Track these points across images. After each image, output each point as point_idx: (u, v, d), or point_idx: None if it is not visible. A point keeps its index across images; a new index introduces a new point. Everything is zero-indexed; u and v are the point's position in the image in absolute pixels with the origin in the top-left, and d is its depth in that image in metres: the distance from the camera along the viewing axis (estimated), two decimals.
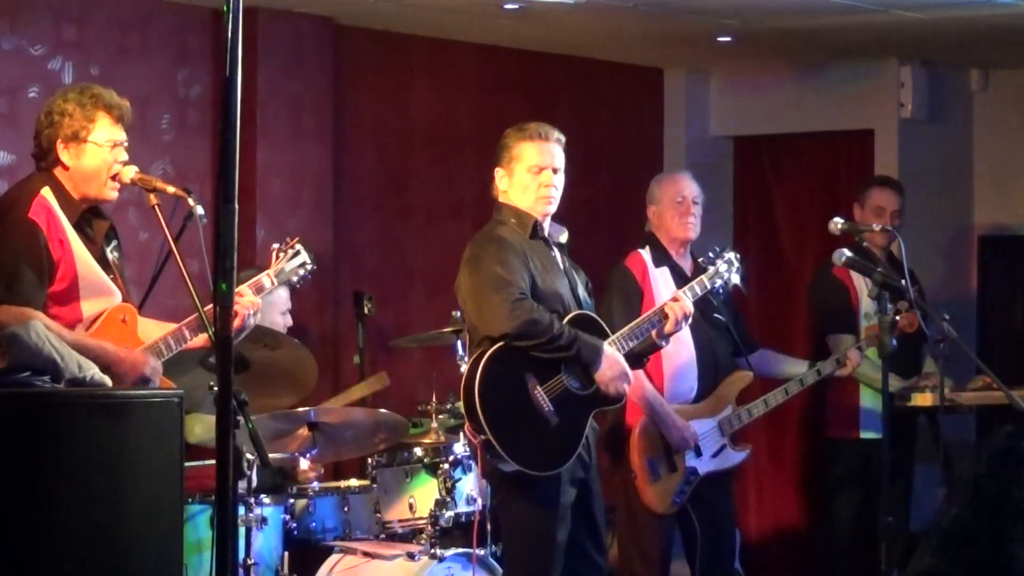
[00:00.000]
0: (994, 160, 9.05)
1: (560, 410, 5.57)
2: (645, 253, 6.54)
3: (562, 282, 5.72)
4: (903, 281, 6.01)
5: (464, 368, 6.42)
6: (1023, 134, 8.96)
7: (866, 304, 7.00)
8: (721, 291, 6.26)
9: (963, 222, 9.06)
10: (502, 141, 5.75)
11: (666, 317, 5.83)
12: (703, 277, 6.17)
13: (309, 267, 5.43)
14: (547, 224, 5.77)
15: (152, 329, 5.03)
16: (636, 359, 5.87)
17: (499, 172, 5.75)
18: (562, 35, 8.11)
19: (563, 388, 5.59)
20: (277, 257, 5.39)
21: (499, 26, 7.88)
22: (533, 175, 5.69)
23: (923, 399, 7.08)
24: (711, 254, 6.27)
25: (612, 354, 5.65)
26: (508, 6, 7.27)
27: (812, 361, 6.80)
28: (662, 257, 6.51)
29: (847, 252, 6.13)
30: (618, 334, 5.77)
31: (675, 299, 5.90)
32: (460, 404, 6.77)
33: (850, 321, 7.16)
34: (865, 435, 7.15)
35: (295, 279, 5.41)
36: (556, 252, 5.77)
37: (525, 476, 5.51)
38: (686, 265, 6.55)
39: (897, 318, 5.90)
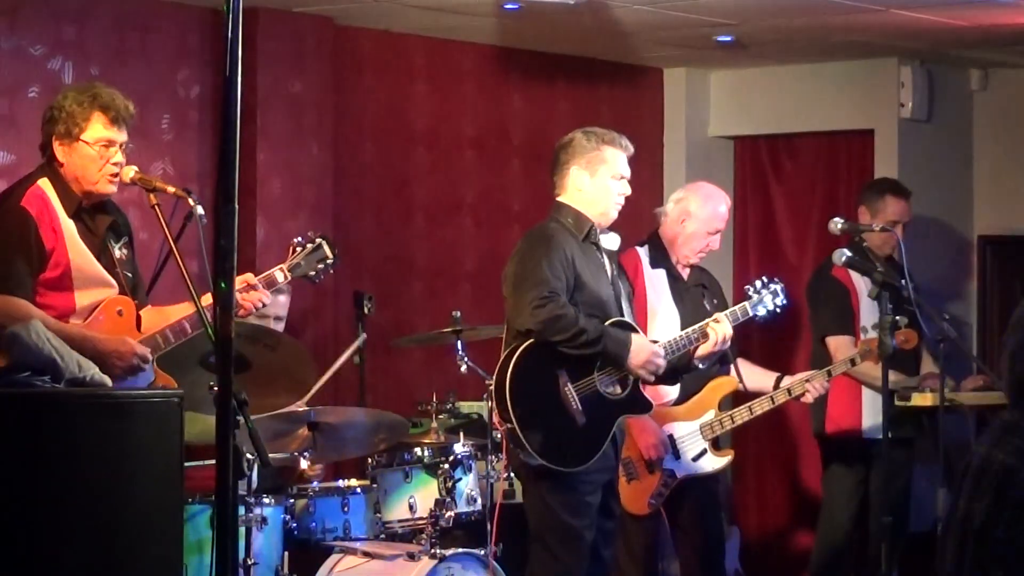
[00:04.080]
0: (994, 160, 9.05)
1: (588, 410, 5.61)
2: (643, 252, 6.53)
3: (608, 289, 5.76)
4: (903, 281, 6.01)
5: (460, 358, 6.41)
6: (1023, 134, 8.96)
7: (866, 305, 6.99)
8: (760, 319, 6.27)
9: (963, 222, 9.06)
10: (586, 142, 5.76)
11: (705, 336, 5.86)
12: (746, 304, 6.18)
13: (330, 261, 5.46)
14: (599, 231, 5.80)
15: (159, 317, 5.06)
16: (672, 375, 5.92)
17: (576, 171, 5.76)
18: (562, 35, 8.10)
19: (594, 389, 5.62)
20: (294, 252, 5.39)
21: (499, 26, 7.88)
22: (616, 181, 5.78)
23: (923, 399, 7.08)
24: (758, 283, 6.27)
25: (639, 341, 5.68)
26: (508, 6, 7.27)
27: (780, 376, 6.75)
28: (661, 259, 6.50)
29: (847, 252, 6.14)
30: (657, 346, 5.78)
31: (716, 321, 5.92)
32: (459, 403, 6.85)
33: (849, 322, 7.16)
34: (866, 435, 7.15)
35: (312, 273, 5.43)
36: (605, 259, 5.80)
37: (552, 471, 5.55)
38: (684, 271, 6.54)
39: (897, 318, 5.90)
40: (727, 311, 6.08)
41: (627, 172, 5.82)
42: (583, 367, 5.63)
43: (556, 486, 5.60)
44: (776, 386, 6.63)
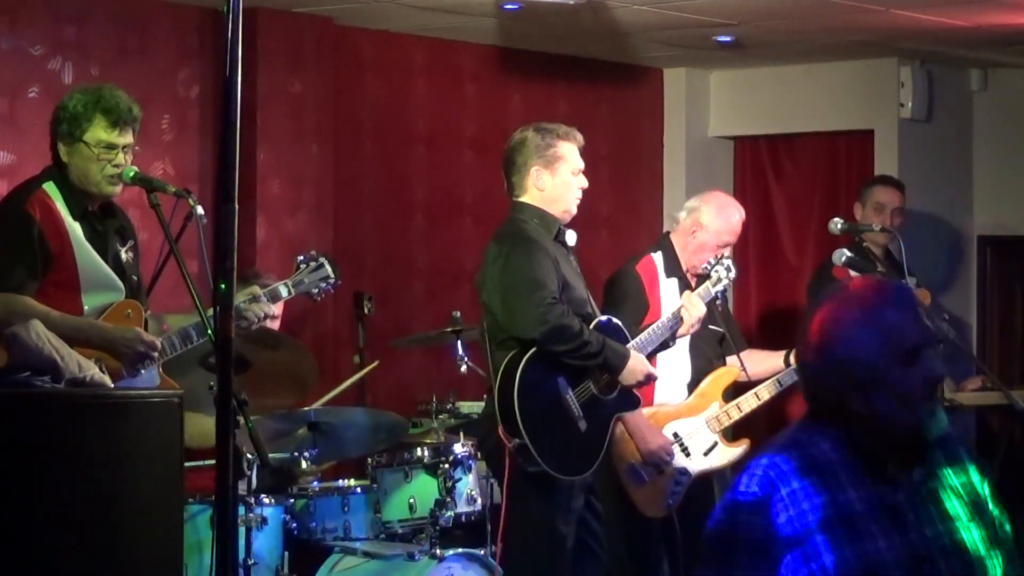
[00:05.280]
0: (994, 160, 9.05)
1: (588, 415, 5.59)
2: (658, 259, 6.47)
3: (582, 286, 5.73)
4: (903, 280, 6.02)
5: (459, 366, 6.39)
6: (1023, 134, 8.96)
7: None
8: (720, 296, 6.28)
9: (963, 222, 9.06)
10: (541, 140, 5.69)
11: (681, 321, 5.88)
12: (707, 285, 6.17)
13: (332, 281, 5.50)
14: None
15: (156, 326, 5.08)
16: (649, 357, 5.91)
17: (536, 171, 5.68)
18: (562, 35, 8.10)
19: (591, 393, 5.61)
20: (298, 268, 5.45)
21: (499, 26, 7.89)
22: (575, 177, 5.72)
23: None
24: (712, 260, 6.27)
25: (636, 358, 5.68)
26: (508, 6, 7.27)
27: (788, 352, 6.71)
28: (674, 267, 6.47)
29: (847, 252, 6.14)
30: (636, 339, 5.78)
31: (690, 303, 5.93)
32: (459, 403, 6.83)
33: None
34: None
35: (315, 291, 5.50)
36: (571, 256, 5.77)
37: (545, 478, 5.52)
38: (692, 280, 6.54)
39: None
40: (694, 292, 6.11)
41: (582, 165, 5.75)
42: (579, 373, 5.60)
43: (549, 493, 5.55)
44: (787, 362, 6.57)
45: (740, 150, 9.40)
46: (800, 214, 9.13)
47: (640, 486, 6.25)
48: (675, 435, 6.34)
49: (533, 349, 5.49)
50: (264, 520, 5.82)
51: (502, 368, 5.52)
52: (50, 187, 4.94)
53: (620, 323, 5.81)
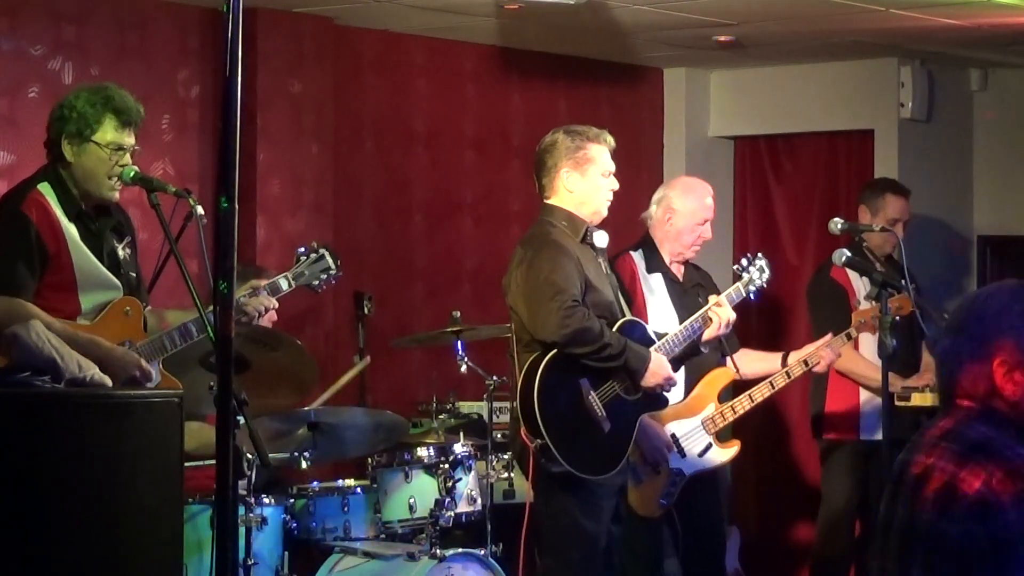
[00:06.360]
0: (994, 160, 9.05)
1: (612, 416, 5.60)
2: (637, 256, 6.50)
3: (609, 290, 5.73)
4: (903, 281, 6.02)
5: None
6: (1023, 134, 8.96)
7: (864, 305, 6.99)
8: (754, 296, 6.28)
9: (963, 222, 9.06)
10: (571, 142, 5.71)
11: (708, 322, 5.88)
12: (739, 285, 6.18)
13: (333, 272, 5.49)
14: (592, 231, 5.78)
15: (156, 321, 5.07)
16: (675, 362, 5.91)
17: (566, 172, 5.70)
18: (562, 35, 8.10)
19: (615, 394, 5.62)
20: (298, 260, 5.43)
21: (499, 26, 7.88)
22: (604, 178, 5.73)
23: (923, 399, 7.07)
24: (744, 261, 6.27)
25: (658, 361, 5.69)
26: (508, 6, 7.27)
27: (785, 354, 6.70)
28: (656, 263, 6.48)
29: (847, 252, 6.14)
30: (661, 341, 5.78)
31: (718, 304, 5.93)
32: (459, 403, 6.82)
33: (848, 322, 7.16)
34: (865, 435, 7.15)
35: (316, 283, 5.47)
36: (601, 259, 5.78)
37: (571, 477, 5.52)
38: (678, 272, 6.54)
39: (897, 318, 5.91)
40: (723, 294, 6.10)
41: (613, 167, 5.77)
42: (602, 374, 5.62)
43: (577, 492, 5.57)
44: (784, 364, 6.58)
45: (740, 150, 9.40)
46: (800, 214, 9.13)
47: (636, 485, 6.26)
48: (672, 435, 6.34)
49: (554, 351, 5.50)
50: (264, 520, 5.82)
51: (524, 370, 5.54)
52: (45, 188, 4.94)
53: (644, 323, 5.82)
